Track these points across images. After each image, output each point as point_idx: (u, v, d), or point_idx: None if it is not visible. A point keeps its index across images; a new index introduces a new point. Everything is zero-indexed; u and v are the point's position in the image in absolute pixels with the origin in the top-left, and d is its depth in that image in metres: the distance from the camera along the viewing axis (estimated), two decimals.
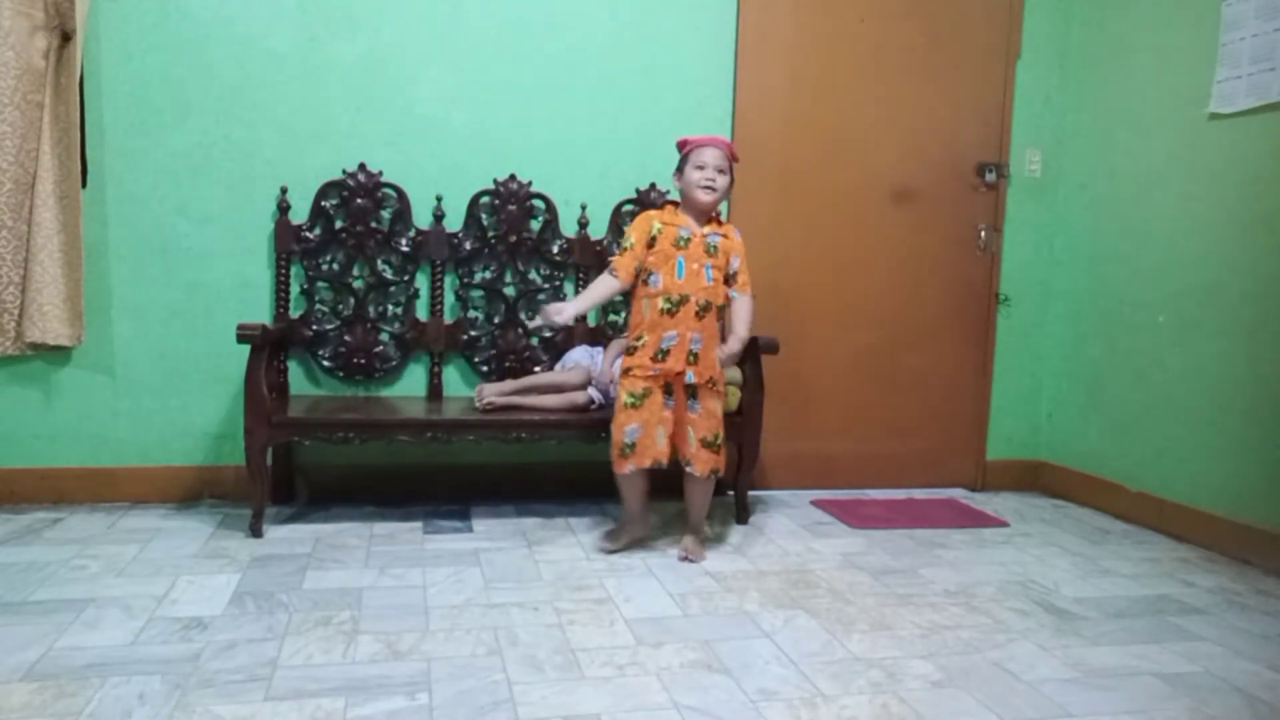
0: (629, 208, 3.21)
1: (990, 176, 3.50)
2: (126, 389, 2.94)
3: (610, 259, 2.63)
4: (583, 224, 3.17)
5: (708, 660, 1.96)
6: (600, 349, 3.12)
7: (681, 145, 2.65)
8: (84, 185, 2.84)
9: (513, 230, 3.10)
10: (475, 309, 3.13)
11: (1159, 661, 2.05)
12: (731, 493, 3.13)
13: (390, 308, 3.07)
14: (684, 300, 2.51)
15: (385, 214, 3.04)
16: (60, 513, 2.83)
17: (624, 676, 1.87)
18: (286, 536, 2.68)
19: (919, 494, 3.49)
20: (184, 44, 2.89)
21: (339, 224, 2.99)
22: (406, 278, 3.07)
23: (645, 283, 2.56)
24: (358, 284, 3.03)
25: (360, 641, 1.98)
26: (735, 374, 3.01)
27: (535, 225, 3.14)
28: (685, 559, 2.59)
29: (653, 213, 2.63)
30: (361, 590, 2.28)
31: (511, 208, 3.09)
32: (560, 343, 3.18)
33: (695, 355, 2.52)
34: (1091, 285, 3.44)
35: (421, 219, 3.07)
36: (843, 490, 3.50)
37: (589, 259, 3.16)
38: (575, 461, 3.24)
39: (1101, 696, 1.87)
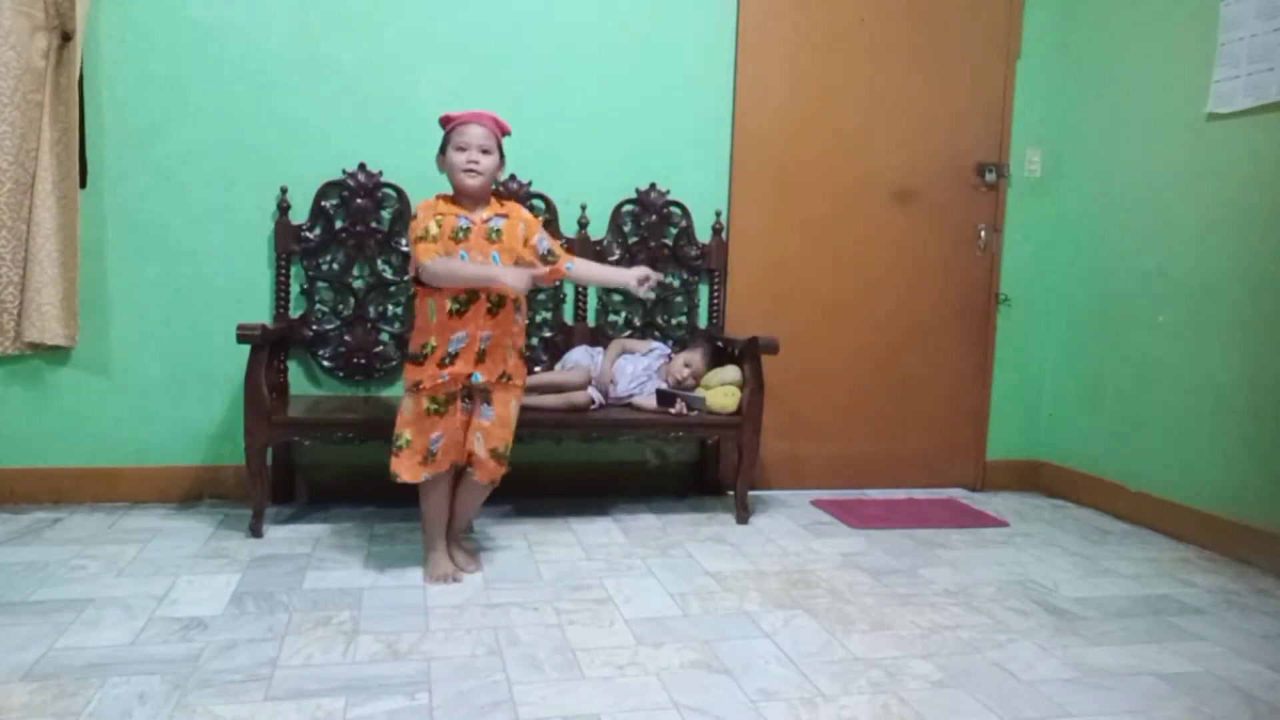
0: (629, 208, 3.21)
1: (990, 176, 3.49)
2: (126, 389, 2.94)
3: (420, 254, 2.24)
4: (583, 224, 3.17)
5: (708, 660, 1.96)
6: (600, 349, 3.12)
7: (444, 122, 2.36)
8: (84, 185, 2.84)
9: None
10: None
11: (1159, 661, 2.05)
12: (731, 493, 3.13)
13: (390, 308, 3.06)
14: (473, 298, 2.27)
15: (385, 214, 3.04)
16: (60, 513, 2.83)
17: (624, 676, 1.87)
18: (286, 536, 2.68)
19: (919, 494, 3.49)
20: (184, 44, 2.89)
21: (339, 224, 2.99)
22: (406, 278, 3.07)
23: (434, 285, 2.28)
24: (358, 284, 3.03)
25: (360, 641, 1.98)
26: (735, 374, 3.01)
27: None
28: (453, 579, 2.36)
29: (429, 201, 2.33)
30: (361, 590, 2.28)
31: None
32: (560, 343, 3.17)
33: (483, 354, 2.30)
34: (1091, 285, 3.44)
35: None
36: (843, 490, 3.50)
37: (589, 259, 3.16)
38: (575, 461, 3.24)
39: (1101, 696, 1.87)
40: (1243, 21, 2.83)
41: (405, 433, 2.32)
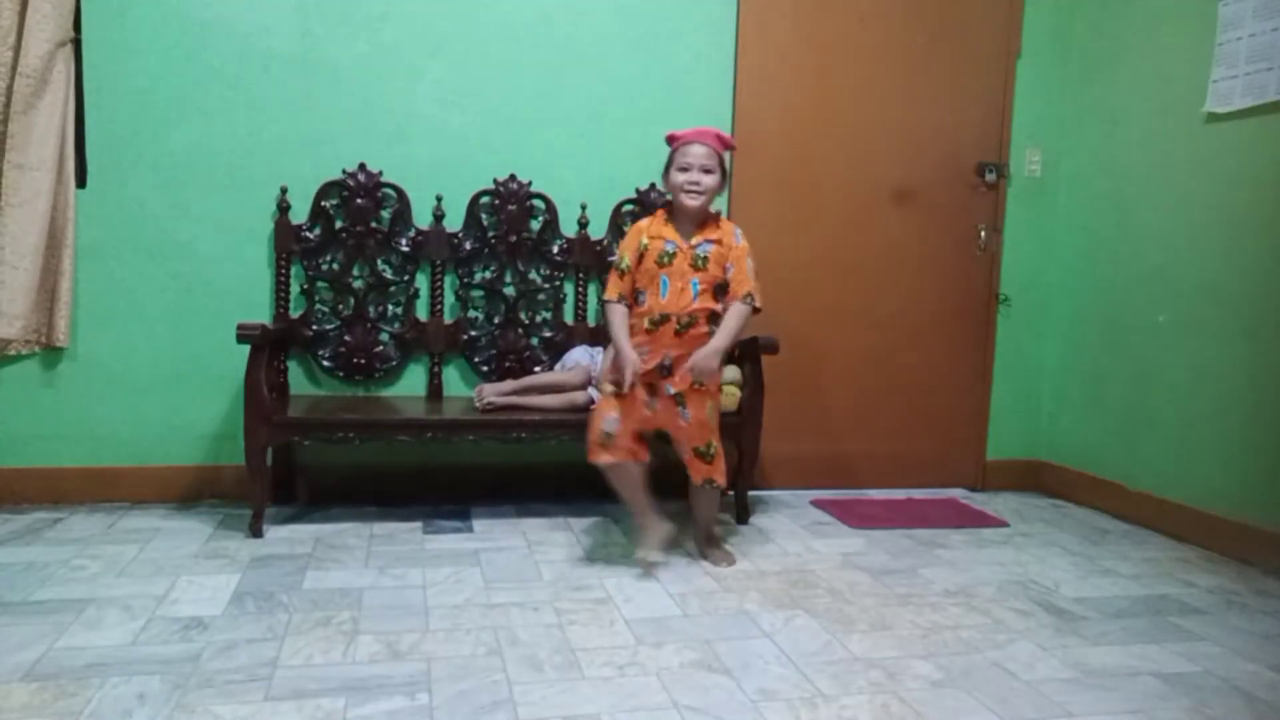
0: (629, 208, 3.21)
1: (990, 176, 3.49)
2: (127, 389, 2.94)
3: (609, 283, 2.50)
4: (583, 224, 3.17)
5: (708, 660, 1.96)
6: (600, 349, 3.11)
7: (670, 141, 2.49)
8: (84, 185, 2.84)
9: (513, 230, 3.10)
10: (475, 309, 3.13)
11: (1159, 661, 2.05)
12: (731, 493, 3.12)
13: (390, 308, 3.07)
14: (664, 320, 2.41)
15: (385, 214, 3.04)
16: (60, 513, 2.83)
17: (624, 676, 1.87)
18: (286, 536, 2.68)
19: (919, 494, 3.49)
20: (184, 44, 2.89)
21: (339, 224, 2.99)
22: (406, 278, 3.07)
23: (636, 301, 2.47)
24: (358, 284, 3.03)
25: (360, 641, 1.98)
26: (735, 374, 3.01)
27: (535, 225, 3.14)
28: (724, 564, 2.55)
29: (643, 223, 2.51)
30: (361, 590, 2.28)
31: (511, 208, 3.09)
32: (560, 343, 3.18)
33: (667, 370, 2.43)
34: (1091, 285, 3.44)
35: (421, 219, 3.07)
36: (843, 490, 3.50)
37: (589, 259, 3.16)
38: (575, 461, 3.21)
39: (1101, 696, 1.87)
40: (1241, 21, 2.83)
41: (595, 420, 2.45)
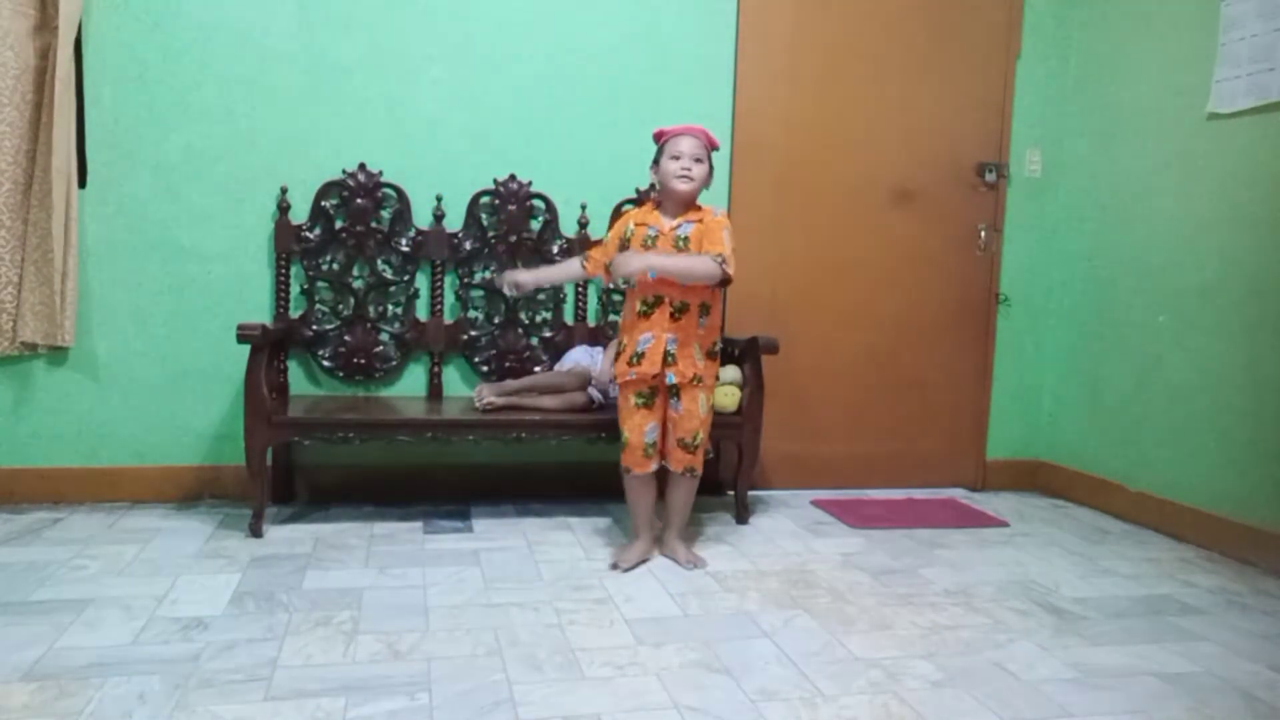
0: (629, 208, 3.20)
1: (990, 176, 3.49)
2: (126, 389, 2.94)
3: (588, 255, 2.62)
4: (583, 224, 3.17)
5: (708, 660, 1.96)
6: (600, 349, 3.12)
7: (658, 136, 2.56)
8: (83, 185, 2.84)
9: (513, 230, 3.10)
10: (475, 309, 3.13)
11: (1159, 661, 2.05)
12: (731, 493, 3.13)
13: (390, 308, 3.07)
14: (658, 302, 2.45)
15: (385, 214, 3.04)
16: (60, 513, 2.83)
17: (624, 676, 1.87)
18: (286, 536, 2.68)
19: (919, 494, 3.49)
20: (184, 44, 2.89)
21: (339, 224, 2.99)
22: (406, 278, 3.07)
23: (628, 283, 2.50)
24: (358, 284, 3.03)
25: (360, 641, 1.98)
26: (735, 374, 3.01)
27: (535, 225, 3.14)
28: (692, 566, 2.55)
29: (633, 211, 2.61)
30: (361, 590, 2.28)
31: (511, 208, 3.09)
32: (560, 343, 3.18)
33: (672, 356, 2.45)
34: (1091, 285, 3.44)
35: (421, 219, 3.07)
36: (843, 490, 3.50)
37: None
38: (575, 461, 3.24)
39: (1101, 696, 1.87)
40: (1244, 21, 2.82)
41: (623, 430, 2.55)
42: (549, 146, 3.16)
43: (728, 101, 3.29)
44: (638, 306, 2.48)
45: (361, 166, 3.01)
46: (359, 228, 2.99)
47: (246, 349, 2.63)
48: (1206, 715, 1.81)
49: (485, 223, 3.10)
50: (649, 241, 2.47)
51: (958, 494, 3.55)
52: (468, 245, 3.08)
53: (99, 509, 2.89)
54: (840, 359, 3.47)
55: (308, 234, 2.97)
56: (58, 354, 2.89)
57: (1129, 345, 3.26)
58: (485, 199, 3.10)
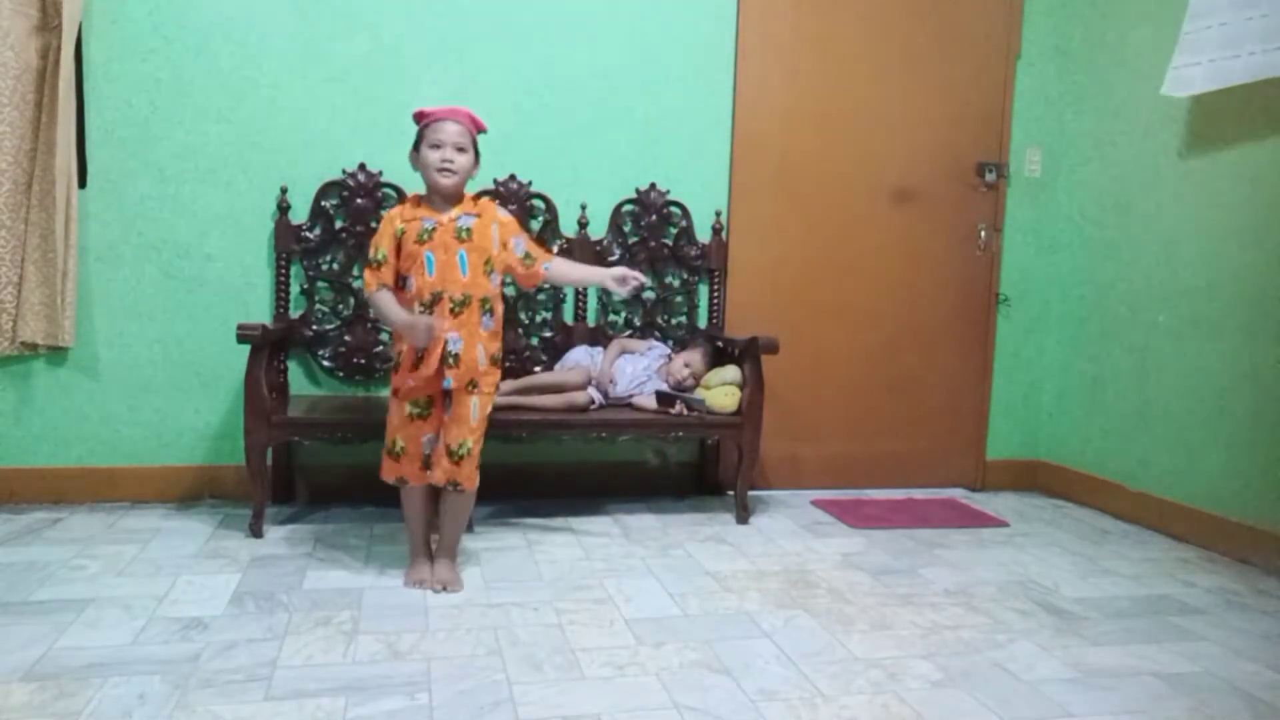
0: (629, 208, 3.21)
1: (990, 176, 3.49)
2: (126, 389, 2.94)
3: (366, 282, 2.29)
4: (583, 224, 3.17)
5: (708, 660, 1.96)
6: (600, 349, 3.12)
7: (418, 117, 2.29)
8: (84, 185, 2.84)
9: None
10: None
11: (1159, 661, 2.05)
12: (731, 493, 3.13)
13: None
14: (437, 298, 2.21)
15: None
16: (60, 513, 2.83)
17: (624, 676, 1.87)
18: (286, 536, 2.68)
19: (919, 494, 3.49)
20: (184, 44, 2.89)
21: (339, 224, 2.99)
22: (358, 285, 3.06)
23: (402, 288, 2.26)
24: (358, 284, 3.03)
25: (360, 641, 1.98)
26: (735, 374, 3.01)
27: (535, 225, 3.14)
28: (441, 589, 2.29)
29: (395, 211, 2.31)
30: (361, 590, 2.28)
31: (512, 208, 3.09)
32: (560, 343, 3.18)
33: (456, 356, 2.21)
34: (1091, 285, 3.44)
35: None
36: (843, 490, 3.50)
37: (589, 259, 3.16)
38: (575, 461, 3.24)
39: (1101, 696, 1.87)
40: (1215, 10, 2.82)
41: (398, 438, 2.29)
42: (549, 146, 3.16)
43: (728, 101, 3.29)
44: (416, 309, 2.23)
45: (361, 166, 3.01)
46: (359, 228, 2.99)
47: (246, 349, 2.62)
48: (1206, 715, 1.81)
49: None
50: (425, 236, 2.22)
51: (958, 494, 3.55)
52: None
53: (99, 509, 2.89)
54: (840, 359, 3.47)
55: (308, 234, 2.97)
56: (58, 354, 2.89)
57: (1129, 345, 3.26)
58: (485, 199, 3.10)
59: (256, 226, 2.98)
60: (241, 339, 2.58)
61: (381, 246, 2.26)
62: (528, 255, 2.38)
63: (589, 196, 3.17)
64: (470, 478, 2.30)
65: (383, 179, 3.01)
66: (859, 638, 2.11)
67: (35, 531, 2.64)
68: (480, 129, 2.33)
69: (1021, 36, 3.50)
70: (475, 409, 2.28)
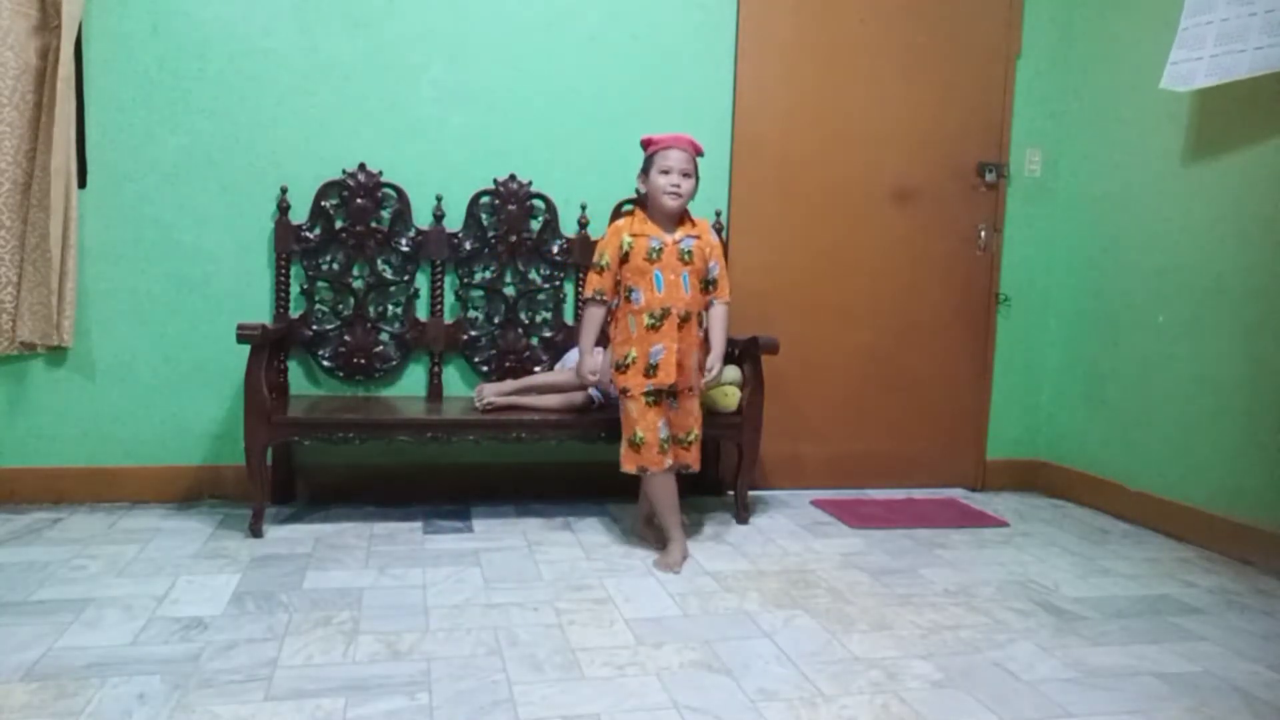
0: (629, 208, 3.20)
1: (990, 176, 3.49)
2: (126, 389, 2.94)
3: (587, 282, 2.60)
4: (583, 224, 3.17)
5: (708, 660, 1.96)
6: (601, 349, 3.11)
7: (646, 145, 2.57)
8: (83, 185, 2.84)
9: (513, 230, 3.10)
10: (475, 309, 3.13)
11: (1159, 661, 2.05)
12: (731, 493, 3.13)
13: (390, 308, 3.07)
14: (666, 314, 2.50)
15: (385, 214, 3.04)
16: (60, 513, 2.83)
17: (624, 676, 1.87)
18: (286, 536, 2.68)
19: (919, 494, 3.49)
20: (183, 44, 2.89)
21: (339, 224, 2.99)
22: (406, 278, 3.07)
23: (628, 299, 2.53)
24: (358, 284, 3.03)
25: (360, 641, 1.98)
26: (735, 374, 3.01)
27: (535, 225, 3.14)
28: (669, 570, 2.49)
29: (621, 224, 2.58)
30: (361, 590, 2.28)
31: (511, 208, 3.09)
32: (560, 343, 3.18)
33: (680, 365, 2.52)
34: (1091, 285, 3.44)
35: (421, 219, 3.07)
36: (843, 490, 3.50)
37: (589, 259, 3.14)
38: (575, 461, 3.24)
39: (1101, 696, 1.87)
40: (1213, 6, 2.83)
41: (637, 430, 2.52)
42: (549, 146, 3.16)
43: (728, 101, 3.29)
44: (645, 320, 2.50)
45: (361, 166, 3.01)
46: (359, 228, 2.99)
47: (246, 349, 2.63)
48: (1206, 715, 1.81)
49: (485, 222, 3.10)
50: (653, 255, 2.50)
51: (958, 494, 3.55)
52: (468, 245, 3.08)
53: (99, 509, 2.89)
54: (840, 359, 3.47)
55: (308, 234, 2.97)
56: (57, 354, 2.89)
57: (1129, 345, 3.26)
58: (485, 199, 3.10)
59: (256, 226, 2.98)
60: (241, 339, 2.58)
61: (606, 254, 2.54)
62: (713, 283, 2.61)
63: (589, 196, 3.17)
64: (695, 460, 2.62)
65: (383, 179, 3.01)
66: (859, 638, 2.11)
67: (35, 531, 2.64)
68: (699, 153, 2.56)
69: (1021, 36, 3.50)
70: (696, 404, 2.60)
